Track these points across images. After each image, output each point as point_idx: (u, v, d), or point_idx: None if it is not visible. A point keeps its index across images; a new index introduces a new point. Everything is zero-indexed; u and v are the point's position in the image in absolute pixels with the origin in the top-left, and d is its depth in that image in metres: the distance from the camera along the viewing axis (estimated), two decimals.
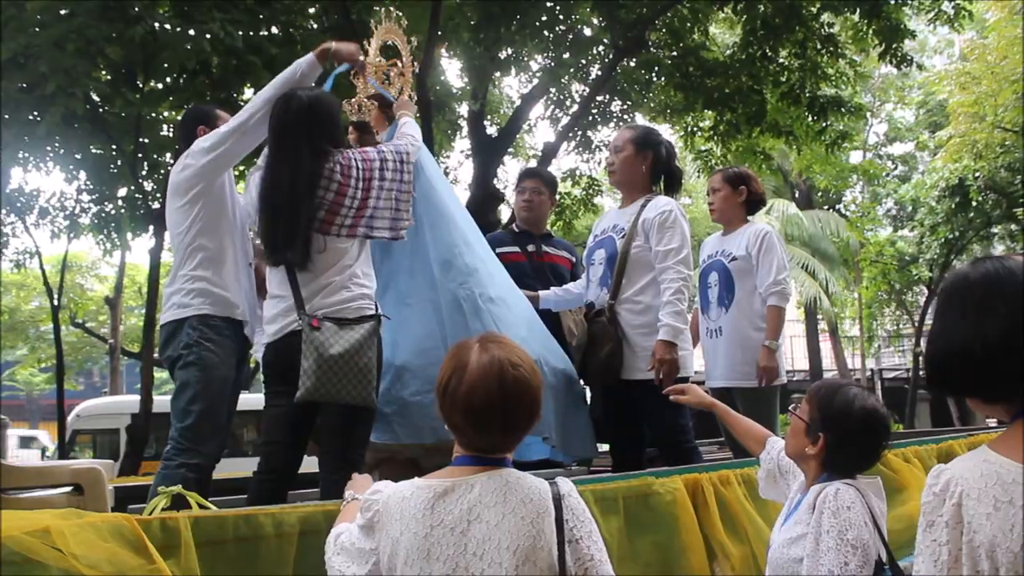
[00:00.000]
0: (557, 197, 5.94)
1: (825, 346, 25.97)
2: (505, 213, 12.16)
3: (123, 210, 10.55)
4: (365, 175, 3.27)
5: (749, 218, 4.61)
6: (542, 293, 4.58)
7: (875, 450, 2.36)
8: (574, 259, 5.09)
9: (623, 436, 4.22)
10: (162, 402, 4.51)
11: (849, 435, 2.28)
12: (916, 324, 22.84)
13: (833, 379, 2.51)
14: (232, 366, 3.63)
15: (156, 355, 9.24)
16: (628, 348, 4.05)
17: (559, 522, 1.77)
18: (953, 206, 18.01)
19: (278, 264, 3.26)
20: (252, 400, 4.89)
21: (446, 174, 10.75)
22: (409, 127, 3.66)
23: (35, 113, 8.19)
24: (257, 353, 4.41)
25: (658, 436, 4.15)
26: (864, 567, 2.11)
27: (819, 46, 10.95)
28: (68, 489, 3.22)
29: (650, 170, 4.29)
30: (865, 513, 2.18)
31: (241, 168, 9.08)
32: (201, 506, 2.40)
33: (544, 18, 11.19)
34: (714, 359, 4.47)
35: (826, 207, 24.71)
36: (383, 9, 4.42)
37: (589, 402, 4.35)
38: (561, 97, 12.57)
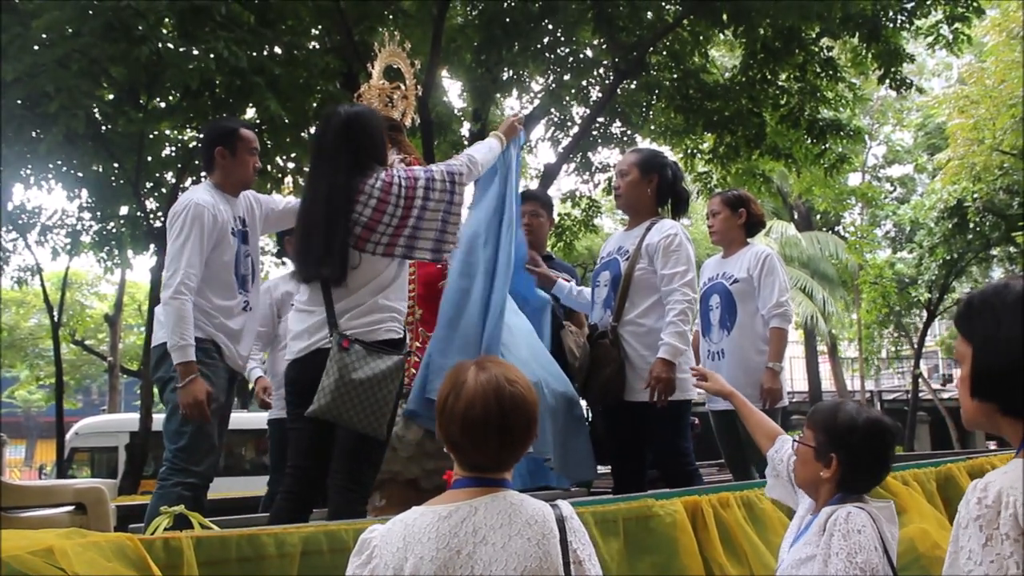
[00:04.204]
0: (556, 218, 5.95)
1: (824, 367, 25.94)
2: None
3: (124, 228, 10.61)
4: (407, 193, 3.22)
5: (749, 240, 4.63)
6: (560, 281, 4.59)
7: (888, 460, 2.37)
8: (573, 281, 5.09)
9: (624, 458, 4.21)
10: (162, 420, 4.53)
11: (861, 448, 2.28)
12: (915, 346, 22.83)
13: (828, 401, 2.50)
14: (223, 388, 3.67)
15: None
16: (630, 370, 4.05)
17: (564, 543, 1.78)
18: (952, 228, 18.05)
19: (309, 281, 3.23)
20: (251, 419, 4.92)
21: None
22: (478, 148, 3.62)
23: (38, 131, 8.24)
24: (251, 373, 4.47)
25: (659, 458, 4.15)
26: None
27: (818, 69, 11.01)
28: (71, 508, 3.23)
29: (655, 193, 4.30)
30: (876, 538, 2.17)
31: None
32: (203, 526, 2.40)
33: (545, 40, 11.26)
34: None
35: (825, 229, 24.73)
36: (386, 31, 4.47)
37: (590, 424, 4.35)
38: (562, 119, 12.61)
